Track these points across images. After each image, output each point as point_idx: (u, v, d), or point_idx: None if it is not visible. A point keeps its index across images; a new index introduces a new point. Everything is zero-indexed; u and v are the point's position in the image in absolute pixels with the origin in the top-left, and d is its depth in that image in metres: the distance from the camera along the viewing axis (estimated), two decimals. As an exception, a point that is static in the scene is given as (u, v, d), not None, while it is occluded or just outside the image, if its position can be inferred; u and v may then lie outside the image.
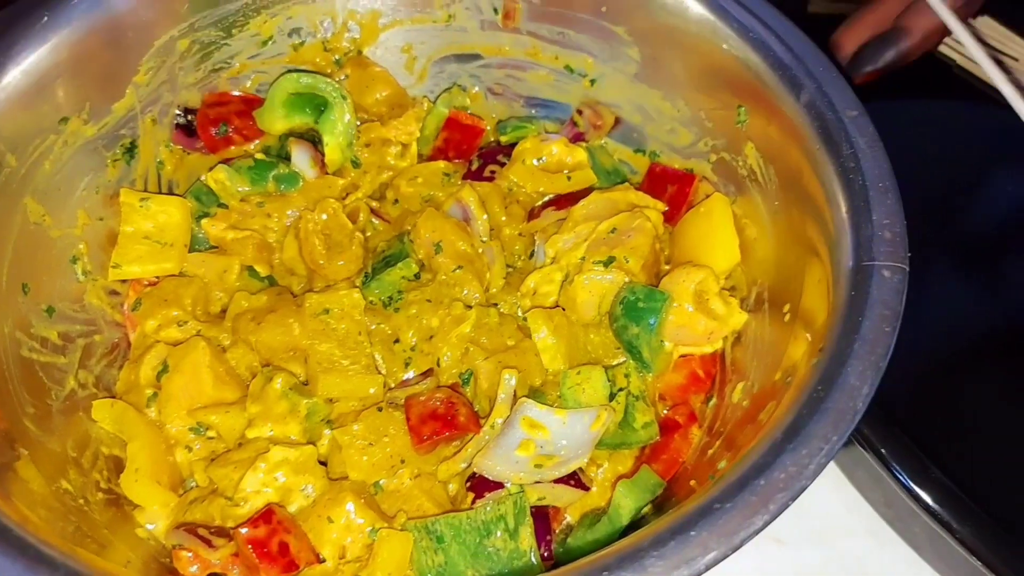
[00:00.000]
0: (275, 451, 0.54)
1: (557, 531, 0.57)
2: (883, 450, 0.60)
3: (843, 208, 0.50)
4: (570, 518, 0.58)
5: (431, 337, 0.62)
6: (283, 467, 0.54)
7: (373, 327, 0.62)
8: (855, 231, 0.49)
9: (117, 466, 0.56)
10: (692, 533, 0.38)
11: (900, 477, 0.59)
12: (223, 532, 0.53)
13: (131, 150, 0.64)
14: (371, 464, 0.56)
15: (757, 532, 0.39)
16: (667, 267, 0.65)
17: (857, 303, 0.46)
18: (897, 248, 0.48)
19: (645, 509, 0.55)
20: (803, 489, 0.40)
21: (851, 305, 0.46)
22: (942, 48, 0.95)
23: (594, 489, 0.58)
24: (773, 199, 0.59)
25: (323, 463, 0.57)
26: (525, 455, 0.55)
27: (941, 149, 0.89)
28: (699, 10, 0.60)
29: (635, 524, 0.54)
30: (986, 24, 0.95)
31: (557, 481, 0.55)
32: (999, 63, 0.93)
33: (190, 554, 0.52)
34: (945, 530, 0.58)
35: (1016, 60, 0.93)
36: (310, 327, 0.60)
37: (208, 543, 0.51)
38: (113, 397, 0.60)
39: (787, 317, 0.54)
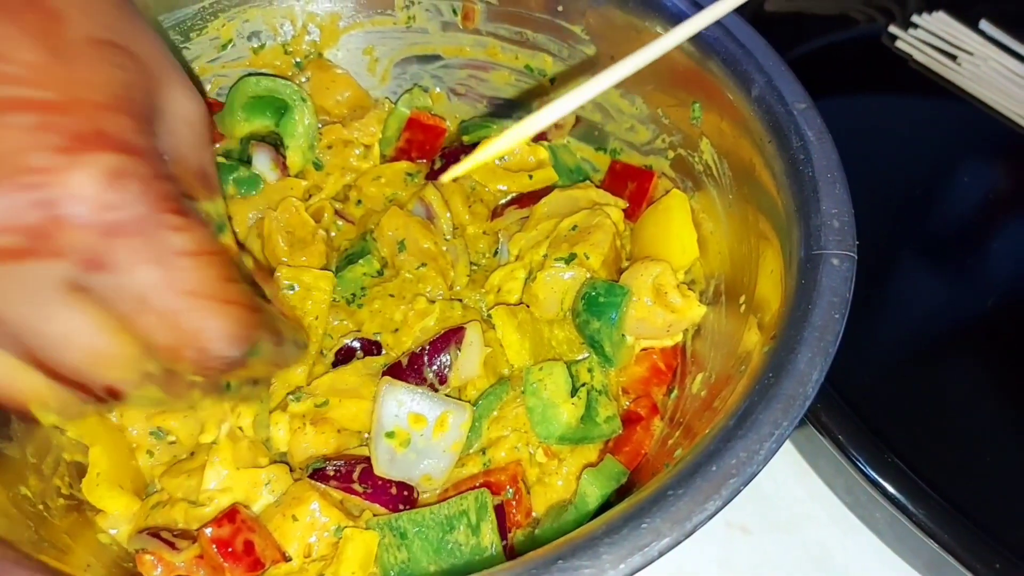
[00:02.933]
0: (223, 435, 0.55)
1: (524, 525, 0.58)
2: (841, 437, 0.61)
3: (793, 199, 0.51)
4: (536, 513, 0.59)
5: (396, 331, 0.62)
6: (238, 444, 0.55)
7: (336, 323, 0.62)
8: (805, 221, 0.50)
9: (79, 471, 0.56)
10: (645, 520, 0.39)
11: (859, 464, 0.60)
12: (187, 534, 0.53)
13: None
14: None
15: (709, 517, 0.40)
16: (627, 263, 0.66)
17: (807, 291, 0.47)
18: (845, 236, 0.49)
19: (610, 498, 0.56)
20: (754, 475, 0.41)
21: (801, 294, 0.47)
22: (899, 43, 0.97)
23: (560, 483, 0.59)
24: (728, 193, 0.59)
25: (285, 463, 0.57)
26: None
27: (901, 144, 0.91)
28: (652, 7, 0.61)
29: (602, 513, 0.55)
30: (940, 19, 0.97)
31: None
32: (953, 58, 0.95)
33: (153, 558, 0.52)
34: (903, 514, 0.59)
35: (971, 54, 0.95)
36: None
37: (171, 545, 0.51)
38: (75, 403, 0.59)
39: (743, 308, 0.55)
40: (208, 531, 0.50)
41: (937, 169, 0.89)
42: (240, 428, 0.56)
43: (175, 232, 0.36)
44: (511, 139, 0.39)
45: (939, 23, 0.97)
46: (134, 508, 0.55)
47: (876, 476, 0.59)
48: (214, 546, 0.50)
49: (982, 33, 0.96)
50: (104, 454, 0.55)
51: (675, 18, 0.61)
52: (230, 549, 0.51)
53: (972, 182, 0.88)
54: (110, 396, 0.39)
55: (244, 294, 0.39)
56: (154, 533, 0.52)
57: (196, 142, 0.44)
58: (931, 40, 0.96)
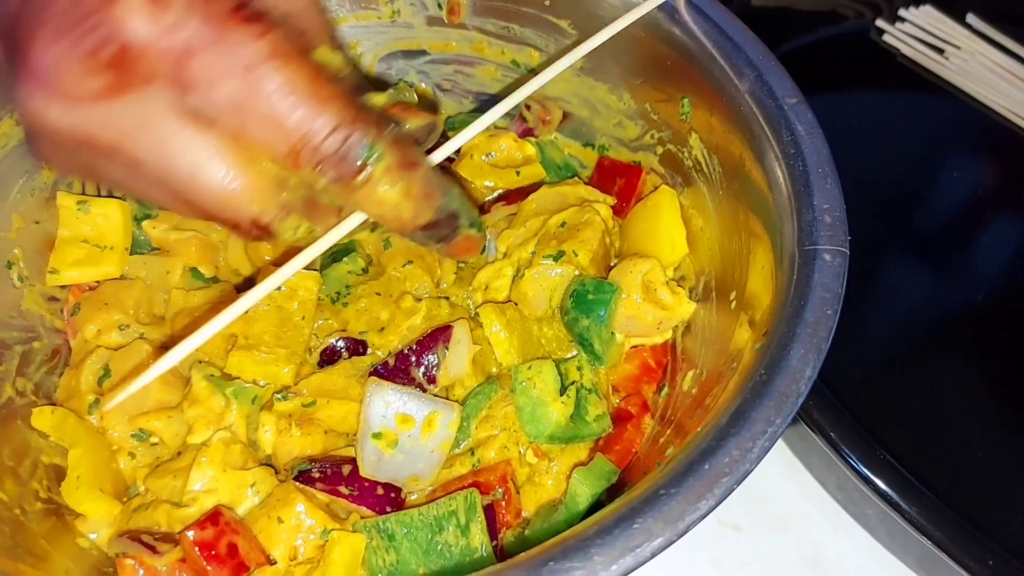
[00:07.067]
0: (216, 439, 0.53)
1: (514, 525, 0.57)
2: (833, 434, 0.61)
3: (784, 194, 0.51)
4: (526, 513, 0.58)
5: (382, 330, 0.61)
6: (230, 448, 0.53)
7: (320, 322, 0.61)
8: (796, 216, 0.49)
9: (58, 475, 0.55)
10: (637, 520, 0.38)
11: (851, 460, 0.60)
12: (169, 538, 0.51)
13: (68, 152, 0.62)
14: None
15: (702, 517, 0.39)
16: (616, 260, 0.65)
17: (799, 287, 0.46)
18: (837, 232, 0.48)
19: (601, 497, 0.55)
20: (747, 473, 0.40)
21: (793, 289, 0.46)
22: (886, 38, 0.97)
23: (550, 482, 0.58)
24: (718, 189, 0.59)
25: (270, 465, 0.56)
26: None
27: (889, 138, 0.90)
28: (640, 2, 0.61)
29: (592, 512, 0.54)
30: (927, 13, 0.96)
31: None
32: (941, 52, 0.95)
33: (134, 562, 0.50)
34: (895, 511, 0.58)
35: (958, 48, 0.95)
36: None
37: (153, 549, 0.50)
38: (54, 405, 0.58)
39: (733, 304, 0.55)
40: (191, 534, 0.49)
41: (926, 164, 0.89)
42: (232, 431, 0.55)
43: (242, 42, 0.36)
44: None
45: (926, 17, 0.97)
46: (115, 511, 0.54)
47: (868, 473, 0.59)
48: (197, 549, 0.49)
49: (969, 27, 0.96)
50: (84, 457, 0.54)
51: (657, 15, 0.60)
52: (213, 552, 0.49)
53: (961, 177, 0.88)
54: (260, 231, 0.40)
55: (338, 91, 0.38)
56: (135, 537, 0.51)
57: None
58: (918, 34, 0.96)
